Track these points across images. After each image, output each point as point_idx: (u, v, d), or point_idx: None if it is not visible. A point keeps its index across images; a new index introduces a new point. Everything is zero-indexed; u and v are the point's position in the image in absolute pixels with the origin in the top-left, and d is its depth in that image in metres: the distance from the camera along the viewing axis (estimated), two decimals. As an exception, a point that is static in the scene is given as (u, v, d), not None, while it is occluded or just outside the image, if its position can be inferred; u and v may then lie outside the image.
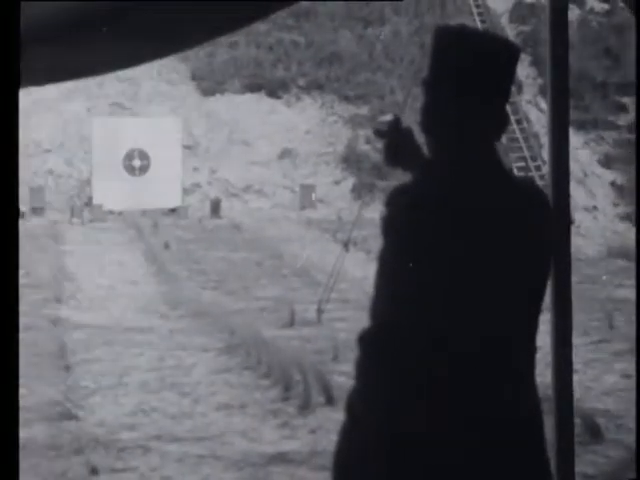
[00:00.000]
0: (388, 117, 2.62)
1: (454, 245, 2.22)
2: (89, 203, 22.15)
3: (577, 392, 3.04)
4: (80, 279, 13.95)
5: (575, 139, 22.83)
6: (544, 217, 2.38)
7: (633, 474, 5.69)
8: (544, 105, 23.84)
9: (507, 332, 2.27)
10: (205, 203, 23.02)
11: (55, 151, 23.32)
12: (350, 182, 24.11)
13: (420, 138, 2.55)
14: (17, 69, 1.88)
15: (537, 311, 2.33)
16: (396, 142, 2.61)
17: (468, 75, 2.30)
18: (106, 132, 22.37)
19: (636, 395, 2.96)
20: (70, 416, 7.13)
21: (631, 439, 6.49)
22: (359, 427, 2.29)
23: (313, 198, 22.96)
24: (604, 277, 14.84)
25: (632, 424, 6.90)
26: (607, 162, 24.19)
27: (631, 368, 8.67)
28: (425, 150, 2.48)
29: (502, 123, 2.37)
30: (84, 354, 9.23)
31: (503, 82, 2.37)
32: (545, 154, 22.03)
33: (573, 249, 3.08)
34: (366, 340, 2.29)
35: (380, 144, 2.67)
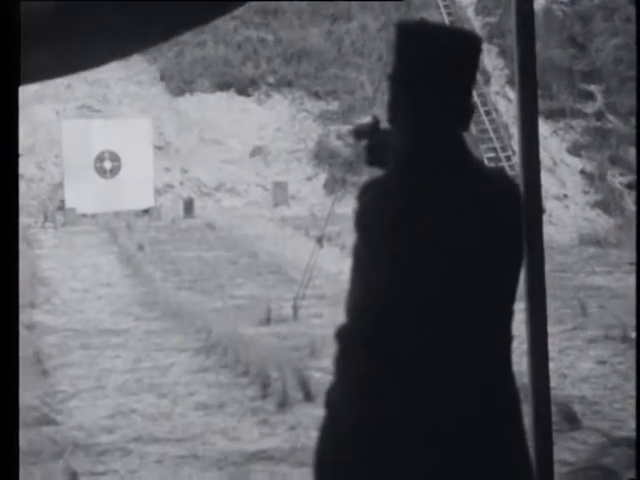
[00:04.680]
0: (368, 119, 2.65)
1: (427, 237, 2.23)
2: (62, 207, 22.03)
3: (553, 380, 3.06)
4: (54, 283, 13.88)
5: (544, 128, 22.93)
6: (516, 206, 2.40)
7: (610, 459, 5.74)
8: (512, 95, 23.93)
9: (483, 321, 2.28)
10: (178, 203, 22.96)
11: (25, 155, 23.18)
12: (322, 178, 24.12)
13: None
14: (17, 67, 1.86)
15: (512, 299, 2.35)
16: (376, 142, 2.64)
17: (430, 68, 2.32)
18: (76, 135, 22.22)
19: (636, 392, 2.98)
20: (48, 421, 7.10)
21: (607, 425, 6.55)
22: (339, 422, 2.31)
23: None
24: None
25: (608, 410, 6.97)
26: (576, 150, 24.31)
27: (606, 354, 8.74)
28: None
29: (468, 113, 2.39)
30: (60, 358, 9.19)
31: (466, 72, 2.39)
32: (515, 144, 22.12)
33: (545, 238, 3.10)
34: (343, 335, 2.30)
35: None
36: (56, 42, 2.75)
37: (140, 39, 2.95)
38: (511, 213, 2.37)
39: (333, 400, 2.33)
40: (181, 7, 2.67)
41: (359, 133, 2.67)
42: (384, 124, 2.66)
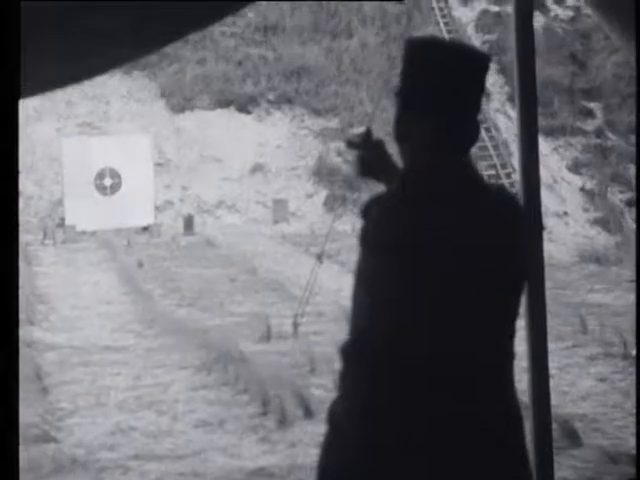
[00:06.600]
0: (360, 129, 2.66)
1: (430, 254, 2.23)
2: (61, 224, 22.02)
3: (553, 397, 3.06)
4: (54, 300, 13.87)
5: (544, 145, 22.96)
6: (519, 224, 2.41)
7: (611, 477, 5.72)
8: (512, 113, 23.97)
9: (487, 338, 2.28)
10: (178, 220, 22.96)
11: (25, 172, 23.20)
12: (322, 195, 24.12)
13: (391, 149, 2.58)
14: (17, 79, 1.84)
15: (515, 316, 2.36)
16: (368, 154, 2.64)
17: (439, 86, 2.32)
18: (76, 152, 22.22)
19: (636, 401, 2.98)
20: (48, 438, 7.09)
21: (608, 442, 6.54)
22: (341, 438, 2.30)
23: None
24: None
25: (609, 427, 6.95)
26: (576, 167, 24.33)
27: (606, 372, 8.73)
28: (397, 161, 2.51)
29: (474, 132, 2.40)
30: (60, 375, 9.18)
31: (474, 91, 2.40)
32: (515, 161, 22.14)
33: (545, 255, 3.10)
34: (347, 351, 2.30)
35: (352, 156, 2.70)
36: (52, 51, 2.74)
37: (136, 45, 2.94)
38: (514, 231, 2.37)
39: (336, 416, 2.33)
40: (176, 12, 2.66)
41: (352, 144, 2.68)
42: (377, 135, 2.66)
